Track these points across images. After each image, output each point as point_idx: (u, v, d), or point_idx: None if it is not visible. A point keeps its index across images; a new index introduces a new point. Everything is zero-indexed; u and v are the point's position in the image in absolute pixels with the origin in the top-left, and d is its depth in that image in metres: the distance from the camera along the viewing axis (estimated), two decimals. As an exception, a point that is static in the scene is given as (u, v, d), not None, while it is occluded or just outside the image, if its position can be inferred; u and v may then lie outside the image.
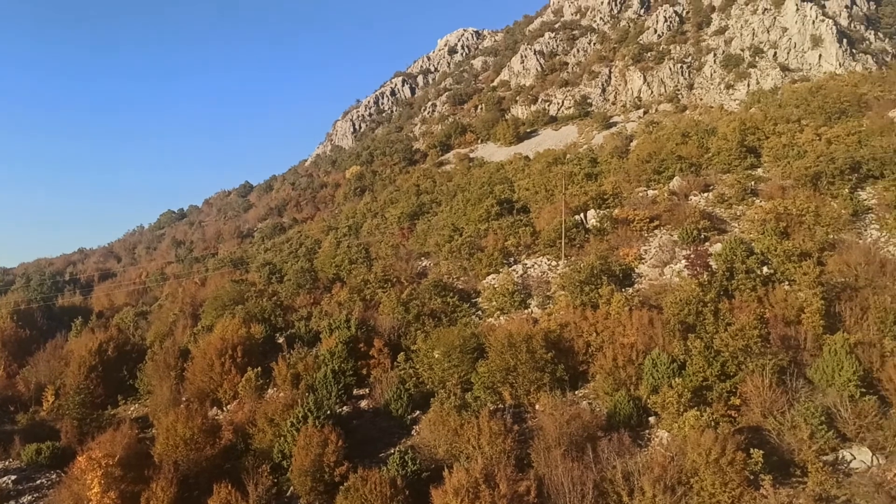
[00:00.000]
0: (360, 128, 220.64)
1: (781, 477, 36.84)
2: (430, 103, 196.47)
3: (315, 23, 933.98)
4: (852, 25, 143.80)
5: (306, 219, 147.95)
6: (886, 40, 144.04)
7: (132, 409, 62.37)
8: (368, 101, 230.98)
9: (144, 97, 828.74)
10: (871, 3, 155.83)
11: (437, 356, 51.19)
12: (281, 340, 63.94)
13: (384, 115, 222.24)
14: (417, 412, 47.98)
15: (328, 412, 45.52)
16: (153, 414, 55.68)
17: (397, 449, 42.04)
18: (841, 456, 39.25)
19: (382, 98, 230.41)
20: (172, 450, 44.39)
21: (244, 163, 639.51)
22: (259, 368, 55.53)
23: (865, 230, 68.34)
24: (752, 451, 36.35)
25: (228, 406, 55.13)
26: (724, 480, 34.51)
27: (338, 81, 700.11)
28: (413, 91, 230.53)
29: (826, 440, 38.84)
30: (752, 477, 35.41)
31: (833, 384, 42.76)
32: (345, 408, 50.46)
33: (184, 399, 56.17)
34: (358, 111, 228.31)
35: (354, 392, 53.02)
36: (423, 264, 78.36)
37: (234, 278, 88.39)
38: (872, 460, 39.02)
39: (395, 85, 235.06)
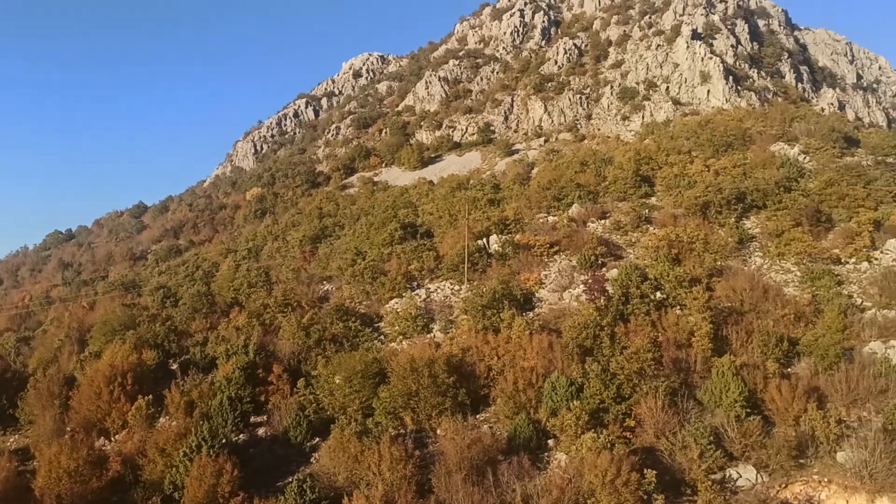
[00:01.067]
0: (262, 149, 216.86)
1: (673, 496, 38.05)
2: (334, 126, 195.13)
3: (216, 42, 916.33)
4: (738, 64, 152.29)
5: (204, 241, 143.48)
6: (768, 78, 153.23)
7: (11, 440, 58.53)
8: (271, 123, 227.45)
9: (41, 113, 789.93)
10: (755, 43, 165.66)
11: (338, 382, 50.52)
12: (175, 367, 61.57)
13: (287, 136, 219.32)
14: (317, 439, 47.10)
15: (223, 441, 44.07)
16: (35, 445, 52.35)
17: (295, 477, 41.01)
18: (728, 474, 40.94)
19: (285, 120, 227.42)
20: (55, 483, 41.85)
21: (137, 183, 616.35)
22: (150, 396, 53.19)
23: (750, 257, 72.20)
24: (645, 471, 37.42)
25: (117, 436, 52.49)
26: (619, 501, 35.38)
27: (239, 102, 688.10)
28: (317, 113, 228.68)
29: (714, 459, 40.45)
30: (645, 497, 36.43)
31: (721, 405, 44.66)
32: (241, 436, 48.98)
33: (68, 429, 53.12)
34: (260, 132, 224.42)
35: (252, 419, 51.54)
36: (326, 288, 77.41)
37: (125, 302, 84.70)
38: (757, 478, 40.86)
39: (299, 107, 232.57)
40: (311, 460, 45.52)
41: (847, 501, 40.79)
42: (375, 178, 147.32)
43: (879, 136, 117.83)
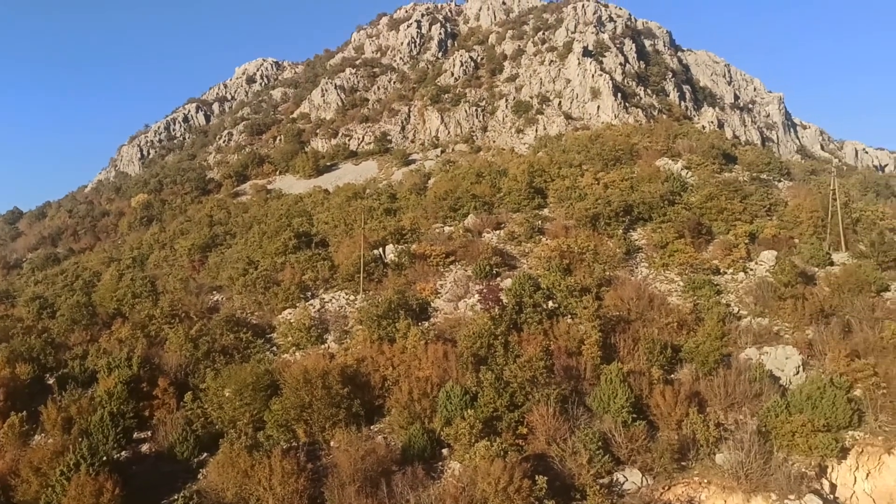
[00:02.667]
0: (149, 154, 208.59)
1: (563, 501, 38.88)
2: (226, 132, 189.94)
3: (101, 41, 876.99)
4: (626, 81, 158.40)
5: (85, 249, 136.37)
6: (654, 96, 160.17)
7: None
8: (158, 127, 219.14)
9: None
10: (641, 62, 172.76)
11: (227, 395, 49.00)
12: (51, 381, 58.16)
13: (176, 142, 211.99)
14: (205, 454, 45.50)
15: (104, 458, 41.83)
16: None
17: (181, 494, 39.50)
18: (615, 478, 42.22)
19: (174, 124, 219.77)
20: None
21: (12, 187, 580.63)
22: (24, 413, 50.08)
23: (637, 268, 74.98)
24: (537, 477, 38.05)
25: (-15, 456, 49.02)
26: (512, 508, 35.75)
27: (125, 105, 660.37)
28: (208, 119, 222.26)
29: (602, 464, 41.65)
30: (536, 502, 36.98)
31: (609, 411, 46.02)
32: (124, 453, 46.74)
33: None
34: (147, 136, 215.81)
35: (135, 435, 49.25)
36: (215, 299, 75.08)
37: (-3, 313, 79.39)
38: (642, 481, 42.32)
39: (189, 111, 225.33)
40: (199, 476, 43.91)
41: (725, 501, 42.81)
42: (269, 186, 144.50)
43: (754, 153, 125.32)
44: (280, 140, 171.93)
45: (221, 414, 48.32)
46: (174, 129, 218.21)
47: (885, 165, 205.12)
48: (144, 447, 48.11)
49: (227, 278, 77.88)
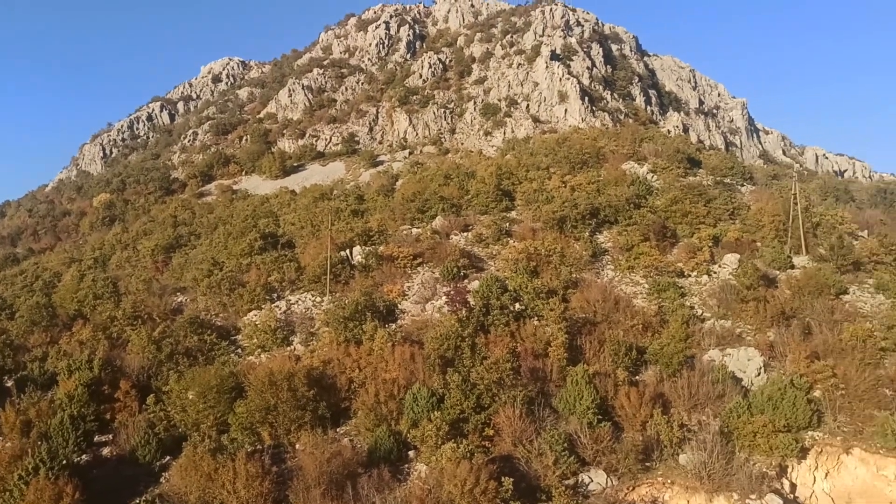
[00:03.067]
0: (112, 153, 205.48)
1: (529, 502, 39.00)
2: (191, 131, 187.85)
3: (64, 39, 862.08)
4: (593, 85, 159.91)
5: (45, 249, 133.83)
6: (620, 100, 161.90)
7: None
8: (122, 126, 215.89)
9: None
10: (608, 66, 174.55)
11: (191, 397, 48.34)
12: (10, 384, 56.84)
13: (139, 141, 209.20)
14: (168, 458, 44.85)
15: (64, 462, 41.06)
16: None
17: (143, 498, 38.90)
18: (581, 479, 42.48)
19: (138, 123, 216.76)
20: None
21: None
22: (-20, 417, 48.84)
23: (602, 270, 75.60)
24: (503, 479, 38.12)
25: (-61, 461, 47.75)
26: (478, 509, 35.81)
27: (88, 103, 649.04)
28: (173, 118, 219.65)
29: (568, 465, 41.88)
30: (503, 504, 37.07)
31: (575, 412, 46.30)
32: (84, 457, 45.81)
33: None
34: (109, 135, 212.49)
35: (96, 439, 48.31)
36: (179, 300, 74.10)
37: (-48, 314, 77.44)
38: (607, 481, 42.64)
39: (153, 110, 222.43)
40: (161, 480, 43.28)
41: (688, 501, 43.32)
42: (235, 187, 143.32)
43: (718, 157, 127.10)
44: (246, 140, 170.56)
45: (185, 417, 47.68)
46: (138, 128, 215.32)
47: (845, 171, 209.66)
48: (105, 450, 47.28)
49: (192, 279, 76.94)
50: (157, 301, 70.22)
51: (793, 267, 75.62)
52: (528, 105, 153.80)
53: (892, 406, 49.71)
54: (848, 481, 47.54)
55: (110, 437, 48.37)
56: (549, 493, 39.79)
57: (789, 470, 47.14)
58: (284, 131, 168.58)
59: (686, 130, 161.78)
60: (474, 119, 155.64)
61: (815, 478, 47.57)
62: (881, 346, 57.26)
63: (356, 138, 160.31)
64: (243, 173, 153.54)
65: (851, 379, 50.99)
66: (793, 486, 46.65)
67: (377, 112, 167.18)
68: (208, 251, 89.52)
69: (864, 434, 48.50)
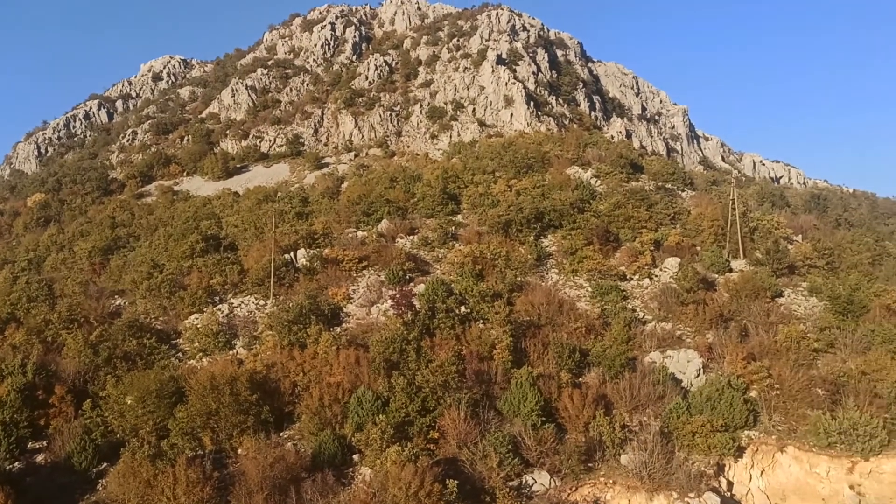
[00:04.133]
0: (48, 152, 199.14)
1: (474, 504, 39.09)
2: (130, 131, 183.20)
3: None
4: (538, 90, 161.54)
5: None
6: (565, 105, 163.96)
7: None
8: (57, 124, 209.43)
9: None
10: (553, 71, 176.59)
11: (129, 402, 47.15)
12: (-64, 391, 54.63)
13: (76, 139, 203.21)
14: (105, 465, 43.74)
15: (-6, 471, 39.67)
16: None
17: (79, 507, 37.80)
18: (524, 480, 42.82)
19: (75, 121, 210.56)
20: None
21: None
22: None
23: (547, 274, 76.38)
24: (448, 481, 38.18)
25: None
26: (422, 513, 35.77)
27: (20, 101, 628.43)
28: (111, 116, 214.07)
29: (512, 467, 42.17)
30: (447, 507, 37.09)
31: (519, 414, 46.64)
32: (17, 464, 44.42)
33: None
34: (44, 134, 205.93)
35: (29, 445, 46.82)
36: (118, 303, 72.22)
37: None
38: (551, 482, 43.05)
39: (90, 108, 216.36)
40: (98, 487, 42.21)
41: (629, 500, 44.04)
42: (176, 188, 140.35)
43: (660, 163, 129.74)
44: (188, 140, 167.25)
45: (123, 422, 46.51)
46: (75, 127, 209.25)
47: (780, 177, 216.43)
48: (39, 457, 45.80)
49: (131, 282, 75.07)
50: (95, 304, 68.33)
51: (731, 270, 77.60)
52: (474, 109, 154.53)
53: (825, 405, 51.37)
54: (782, 479, 48.98)
55: (45, 443, 46.95)
56: (494, 495, 40.01)
57: (726, 468, 48.34)
58: (227, 132, 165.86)
59: (629, 136, 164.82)
60: (420, 122, 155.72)
61: (751, 476, 48.88)
62: (814, 348, 59.17)
63: (301, 140, 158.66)
64: (185, 174, 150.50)
65: (786, 379, 52.55)
66: (730, 484, 47.84)
67: (322, 114, 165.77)
68: (148, 253, 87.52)
69: (797, 433, 50.04)
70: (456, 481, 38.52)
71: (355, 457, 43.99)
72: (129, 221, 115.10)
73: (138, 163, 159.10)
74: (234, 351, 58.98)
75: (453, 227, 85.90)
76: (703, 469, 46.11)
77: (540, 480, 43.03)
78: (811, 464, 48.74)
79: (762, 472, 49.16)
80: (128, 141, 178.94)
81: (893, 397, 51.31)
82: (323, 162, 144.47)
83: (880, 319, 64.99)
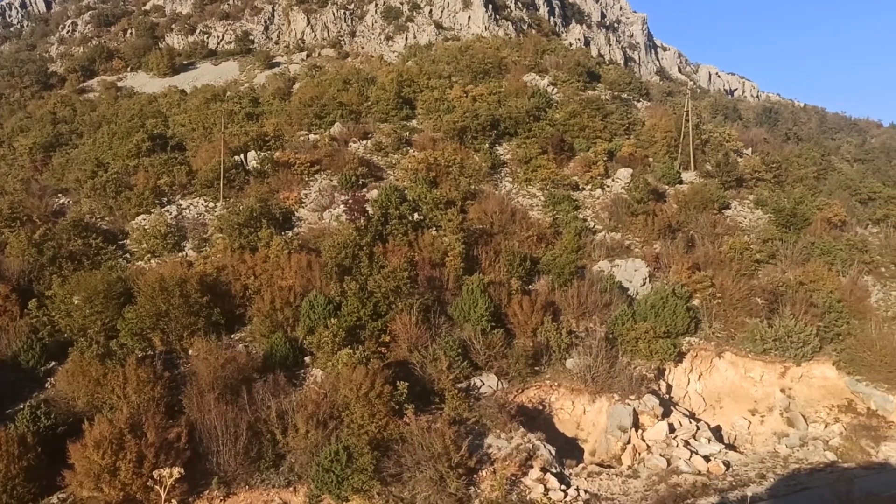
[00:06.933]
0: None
1: (423, 405, 40.13)
2: (70, 22, 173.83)
3: None
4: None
5: None
6: (524, 10, 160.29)
7: None
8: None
9: None
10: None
11: (77, 302, 46.58)
12: None
13: (13, 30, 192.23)
14: (53, 363, 43.47)
15: (-63, 370, 39.16)
16: None
17: (27, 404, 37.56)
18: (473, 383, 44.01)
19: (10, 10, 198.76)
20: None
21: None
22: None
23: (501, 182, 76.40)
24: (398, 383, 38.96)
25: None
26: (372, 412, 36.65)
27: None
28: (49, 5, 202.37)
29: (461, 370, 43.21)
30: (397, 407, 38.02)
31: (469, 319, 47.47)
32: (-40, 365, 43.82)
33: None
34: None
35: (-27, 346, 46.17)
36: (61, 202, 70.22)
37: None
38: (498, 385, 44.34)
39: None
40: (47, 385, 42.01)
41: (573, 402, 45.76)
42: (119, 84, 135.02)
43: (617, 72, 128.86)
44: (131, 34, 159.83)
45: (70, 322, 46.02)
46: (10, 16, 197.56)
47: (735, 90, 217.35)
48: (-16, 356, 45.28)
49: (74, 181, 72.91)
50: (37, 202, 66.41)
51: (681, 182, 78.65)
52: (430, 10, 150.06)
53: (763, 314, 53.44)
54: (718, 382, 51.33)
55: (-10, 342, 46.27)
56: (443, 396, 41.07)
57: (667, 372, 50.38)
58: (173, 26, 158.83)
59: (587, 44, 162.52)
60: (375, 22, 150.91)
61: (689, 379, 51.09)
62: (756, 258, 61.07)
63: (251, 37, 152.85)
64: (129, 69, 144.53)
65: (728, 288, 54.31)
66: (669, 388, 49.96)
67: (273, 10, 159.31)
68: (92, 151, 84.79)
69: (735, 339, 52.17)
70: (406, 383, 39.30)
71: (307, 359, 44.50)
72: (71, 118, 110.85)
73: (79, 56, 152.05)
74: (184, 253, 58.27)
75: (408, 133, 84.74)
76: (644, 373, 47.89)
77: (488, 383, 44.25)
78: (746, 369, 51.09)
79: (700, 376, 51.39)
80: (68, 33, 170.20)
81: (827, 306, 53.57)
82: (274, 61, 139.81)
83: (820, 232, 67.20)
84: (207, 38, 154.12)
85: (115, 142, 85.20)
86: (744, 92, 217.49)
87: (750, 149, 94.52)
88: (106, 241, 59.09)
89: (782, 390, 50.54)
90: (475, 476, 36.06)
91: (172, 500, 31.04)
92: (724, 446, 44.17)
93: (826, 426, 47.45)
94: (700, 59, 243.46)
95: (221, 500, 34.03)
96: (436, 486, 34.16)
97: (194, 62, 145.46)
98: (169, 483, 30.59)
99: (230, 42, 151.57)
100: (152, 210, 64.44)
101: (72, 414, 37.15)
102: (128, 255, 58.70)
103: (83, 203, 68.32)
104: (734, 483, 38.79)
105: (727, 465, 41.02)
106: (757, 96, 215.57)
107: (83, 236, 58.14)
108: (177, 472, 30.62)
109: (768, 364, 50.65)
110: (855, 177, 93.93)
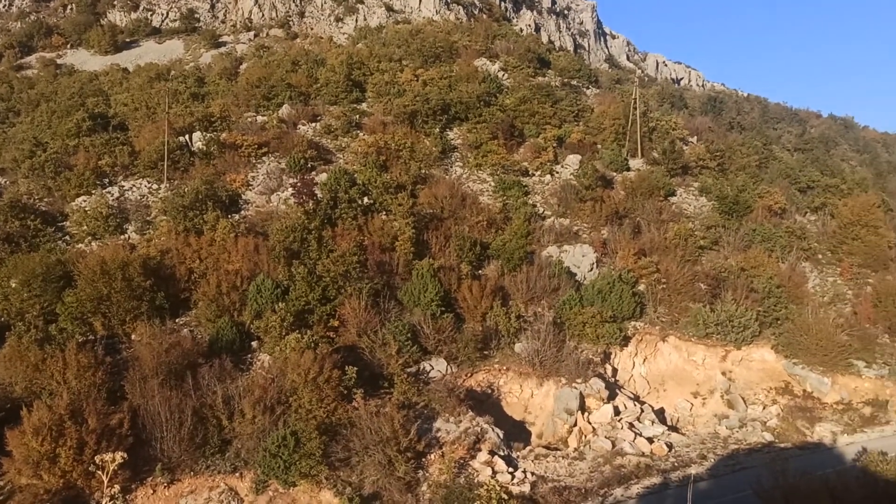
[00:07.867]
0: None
1: (372, 389, 40.08)
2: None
3: None
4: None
5: None
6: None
7: None
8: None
9: None
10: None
11: (14, 286, 45.12)
12: None
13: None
14: (-11, 349, 42.04)
15: None
16: None
17: (-38, 390, 36.41)
18: (422, 367, 44.12)
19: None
20: None
21: None
22: None
23: (451, 167, 76.36)
24: (347, 368, 38.84)
25: None
26: (320, 397, 36.47)
27: None
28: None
29: (411, 354, 43.27)
30: (345, 392, 37.91)
31: (419, 304, 47.49)
32: None
33: None
34: None
35: None
36: (-2, 182, 67.87)
37: None
38: (447, 369, 44.52)
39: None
40: (-17, 372, 40.65)
41: (521, 385, 46.21)
42: (59, 61, 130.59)
43: (567, 59, 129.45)
44: (71, 10, 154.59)
45: (7, 305, 44.55)
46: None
47: (681, 79, 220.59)
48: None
49: (11, 160, 70.40)
50: (-29, 183, 64.03)
51: (629, 169, 79.71)
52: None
53: (706, 299, 54.70)
54: (662, 366, 52.45)
55: (-80, 327, 44.54)
56: (392, 381, 41.06)
57: (612, 356, 51.25)
58: (115, 2, 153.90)
59: (538, 30, 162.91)
60: (325, 3, 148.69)
61: (634, 363, 52.09)
62: (700, 245, 62.42)
63: (196, 15, 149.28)
64: (69, 46, 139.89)
65: (672, 274, 55.43)
66: (614, 371, 50.83)
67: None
68: (30, 130, 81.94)
69: (679, 324, 53.32)
70: (355, 368, 39.21)
71: (254, 344, 43.99)
72: (8, 95, 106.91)
73: (17, 31, 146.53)
74: (126, 236, 56.83)
75: (357, 116, 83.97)
76: (590, 357, 48.64)
77: (437, 367, 44.38)
78: (689, 352, 52.31)
79: (644, 360, 52.42)
80: (4, 7, 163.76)
81: (767, 292, 55.10)
82: (220, 41, 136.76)
83: (762, 219, 68.97)
84: (151, 15, 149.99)
85: (54, 121, 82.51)
86: (690, 81, 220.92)
87: (695, 137, 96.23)
88: (45, 223, 57.29)
89: (723, 373, 51.90)
90: (424, 460, 36.20)
91: (114, 487, 30.34)
92: (667, 428, 45.24)
93: (764, 408, 48.90)
94: (648, 48, 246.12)
95: (165, 487, 33.50)
96: (384, 470, 34.19)
97: (137, 40, 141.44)
98: (111, 469, 29.91)
99: (175, 20, 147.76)
100: (93, 191, 62.65)
101: (9, 400, 36.04)
102: (67, 238, 57.00)
103: (21, 184, 66.04)
104: (676, 464, 39.78)
105: (670, 446, 41.99)
106: (702, 85, 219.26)
107: (20, 218, 56.25)
108: (119, 457, 29.93)
109: (710, 348, 51.94)
110: (795, 166, 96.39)
